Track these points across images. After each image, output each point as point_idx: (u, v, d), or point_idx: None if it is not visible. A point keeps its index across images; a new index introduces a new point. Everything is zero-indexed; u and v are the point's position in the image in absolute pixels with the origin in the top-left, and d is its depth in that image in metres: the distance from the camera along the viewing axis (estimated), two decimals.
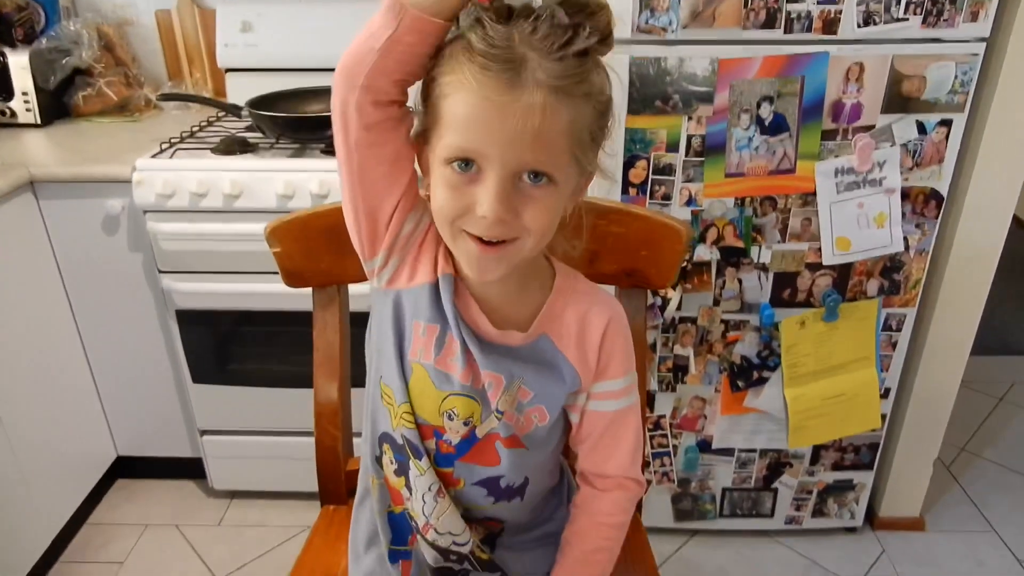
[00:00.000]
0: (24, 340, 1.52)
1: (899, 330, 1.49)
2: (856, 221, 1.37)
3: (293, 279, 0.86)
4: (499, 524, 0.82)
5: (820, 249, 1.39)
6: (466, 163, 0.61)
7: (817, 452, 1.60)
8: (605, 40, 0.62)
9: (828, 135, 1.31)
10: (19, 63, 1.73)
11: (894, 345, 1.50)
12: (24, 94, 1.75)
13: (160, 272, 1.56)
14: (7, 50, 1.73)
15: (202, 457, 1.80)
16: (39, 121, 1.78)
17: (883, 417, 1.56)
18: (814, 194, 1.35)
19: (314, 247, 0.84)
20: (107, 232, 1.56)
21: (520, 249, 0.65)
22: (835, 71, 1.26)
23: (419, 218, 0.71)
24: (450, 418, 0.74)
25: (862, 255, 1.40)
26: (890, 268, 1.42)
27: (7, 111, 1.76)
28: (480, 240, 0.63)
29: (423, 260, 0.72)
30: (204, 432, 1.76)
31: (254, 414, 1.71)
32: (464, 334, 0.72)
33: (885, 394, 1.55)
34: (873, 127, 1.30)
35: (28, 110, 1.76)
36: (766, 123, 1.30)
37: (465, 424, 0.75)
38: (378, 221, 0.69)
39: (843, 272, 1.42)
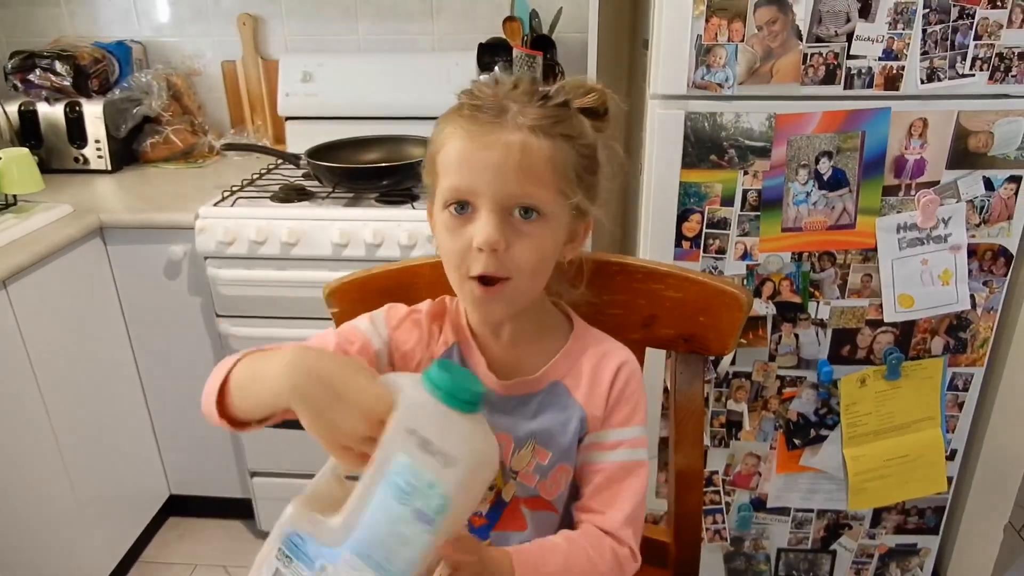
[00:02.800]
0: (87, 378, 1.57)
1: (966, 390, 1.43)
2: (920, 278, 1.33)
3: None
4: None
5: (881, 306, 1.35)
6: (462, 206, 0.67)
7: (878, 514, 1.54)
8: (596, 113, 0.70)
9: (890, 191, 1.28)
10: (94, 112, 1.82)
11: (960, 405, 1.44)
12: (97, 142, 1.83)
13: (218, 316, 1.60)
14: (83, 100, 1.82)
15: (251, 498, 1.81)
16: (109, 167, 1.85)
17: (949, 480, 1.49)
18: (875, 250, 1.31)
19: (372, 307, 0.85)
20: (169, 276, 1.61)
21: (516, 288, 0.68)
22: (897, 126, 1.24)
23: (414, 327, 0.76)
24: None
25: (926, 313, 1.35)
26: (956, 326, 1.37)
27: (81, 158, 1.84)
28: (480, 282, 0.67)
29: (424, 349, 0.76)
30: (254, 473, 1.78)
31: (302, 457, 1.72)
32: None
33: (951, 456, 1.48)
34: (937, 183, 1.27)
35: (100, 157, 1.84)
36: (825, 178, 1.28)
37: (490, 489, 0.76)
38: None
39: (906, 329, 1.37)
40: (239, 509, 1.87)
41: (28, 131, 1.82)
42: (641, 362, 0.89)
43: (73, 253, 1.51)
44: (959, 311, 1.35)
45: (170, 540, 1.87)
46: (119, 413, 1.69)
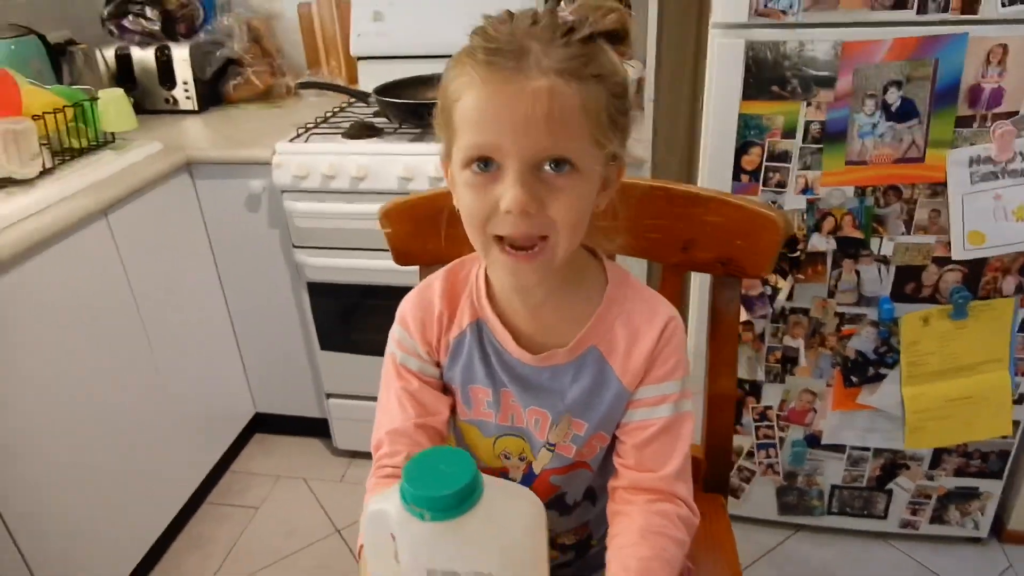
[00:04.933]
0: (180, 302, 1.72)
1: None
2: (992, 214, 1.28)
3: (402, 258, 0.93)
4: (585, 528, 0.84)
5: (949, 243, 1.31)
6: (485, 163, 0.60)
7: (939, 456, 1.52)
8: (619, 37, 0.62)
9: (963, 122, 1.23)
10: (181, 55, 1.93)
11: None
12: (184, 83, 1.95)
13: (294, 247, 1.70)
14: (171, 44, 1.93)
15: (327, 418, 1.95)
16: (196, 108, 1.97)
17: (1016, 424, 1.46)
18: (944, 184, 1.27)
19: (422, 229, 0.90)
20: (250, 209, 1.72)
21: (553, 249, 0.63)
22: (974, 53, 1.18)
23: (430, 318, 0.76)
24: (507, 458, 0.78)
25: (998, 250, 1.31)
26: None
27: (171, 99, 1.97)
28: (511, 249, 0.62)
29: (448, 332, 0.76)
30: (330, 395, 1.91)
31: (375, 381, 1.83)
32: (503, 375, 0.73)
33: (1020, 400, 1.44)
34: (1016, 113, 1.21)
35: (188, 98, 1.96)
36: (893, 109, 1.24)
37: (521, 460, 0.78)
38: None
39: (975, 268, 1.33)
40: (318, 428, 2.01)
41: (124, 74, 1.95)
42: (680, 287, 0.92)
43: (164, 187, 1.63)
44: None
45: (256, 454, 2.04)
46: (209, 336, 1.84)
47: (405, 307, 0.78)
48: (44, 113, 1.46)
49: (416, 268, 0.96)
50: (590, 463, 0.77)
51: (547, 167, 0.59)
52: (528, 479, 0.78)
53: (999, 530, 1.63)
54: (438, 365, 0.78)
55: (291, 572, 1.67)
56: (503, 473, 0.79)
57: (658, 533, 0.67)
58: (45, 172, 1.47)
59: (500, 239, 0.62)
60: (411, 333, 0.77)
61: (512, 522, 0.45)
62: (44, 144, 1.48)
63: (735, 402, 0.97)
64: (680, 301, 0.90)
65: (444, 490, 0.42)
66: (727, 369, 0.91)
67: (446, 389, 0.79)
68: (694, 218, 0.86)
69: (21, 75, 1.50)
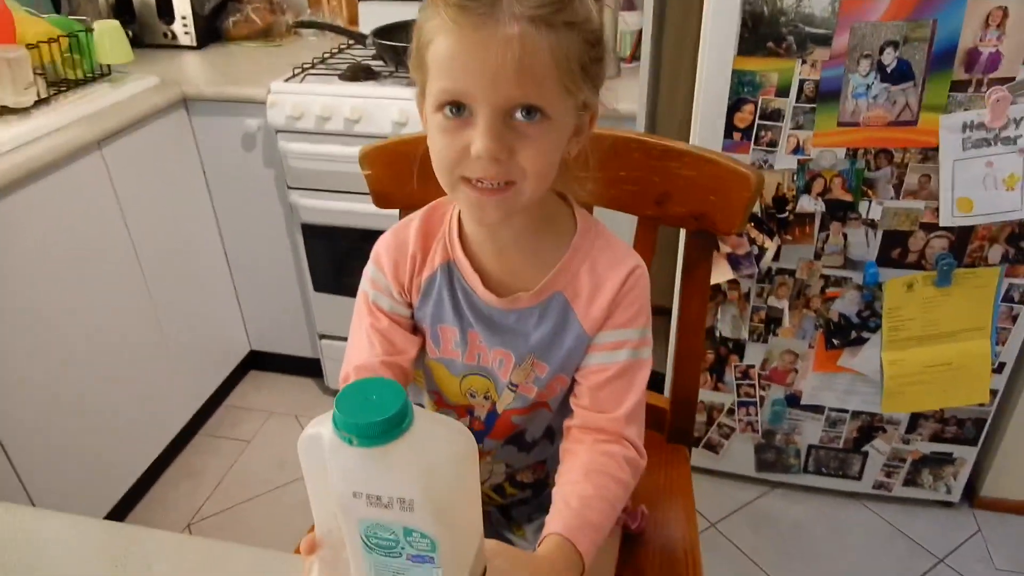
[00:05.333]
0: (176, 237, 1.74)
1: (1022, 303, 1.38)
2: (982, 181, 1.27)
3: (381, 200, 0.94)
4: (543, 466, 0.87)
5: (938, 209, 1.31)
6: (458, 108, 0.61)
7: (915, 420, 1.54)
8: None
9: (958, 86, 1.21)
10: None
11: (1015, 318, 1.40)
12: (183, 18, 1.93)
13: (289, 188, 1.71)
14: None
15: (320, 358, 1.99)
16: (195, 44, 1.96)
17: (993, 393, 1.47)
18: (936, 149, 1.26)
19: (401, 172, 0.90)
20: (246, 148, 1.72)
21: (519, 194, 0.64)
22: (974, 14, 1.15)
23: (403, 257, 0.77)
24: (472, 396, 0.80)
25: (986, 219, 1.30)
26: (1018, 235, 1.31)
27: (169, 33, 1.95)
28: (478, 186, 0.63)
29: (420, 271, 0.77)
30: (323, 336, 1.94)
31: None
32: (470, 315, 0.75)
33: (999, 369, 1.45)
34: (1012, 79, 1.19)
35: (187, 33, 1.95)
36: (888, 70, 1.22)
37: (486, 399, 0.80)
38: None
39: (962, 235, 1.33)
40: (310, 368, 2.05)
41: (122, 6, 1.93)
42: (654, 241, 0.93)
43: (160, 122, 1.63)
44: (1022, 219, 1.29)
45: (249, 391, 2.09)
46: (205, 272, 1.86)
47: (380, 247, 0.79)
48: (39, 42, 1.46)
49: (397, 212, 0.97)
50: (550, 403, 0.79)
51: (518, 115, 0.60)
52: (491, 417, 0.81)
53: (971, 496, 1.66)
54: (409, 305, 0.79)
55: (278, 505, 1.73)
56: (469, 410, 0.82)
57: (601, 472, 0.69)
58: (40, 102, 1.47)
59: (467, 179, 0.64)
60: (385, 273, 0.78)
61: (438, 452, 0.46)
62: (39, 74, 1.48)
63: (701, 357, 0.98)
64: (652, 254, 0.91)
65: (372, 418, 0.43)
66: (695, 326, 0.93)
67: (415, 329, 0.81)
68: (669, 171, 0.86)
69: (16, 3, 1.50)
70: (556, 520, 0.65)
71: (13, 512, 0.68)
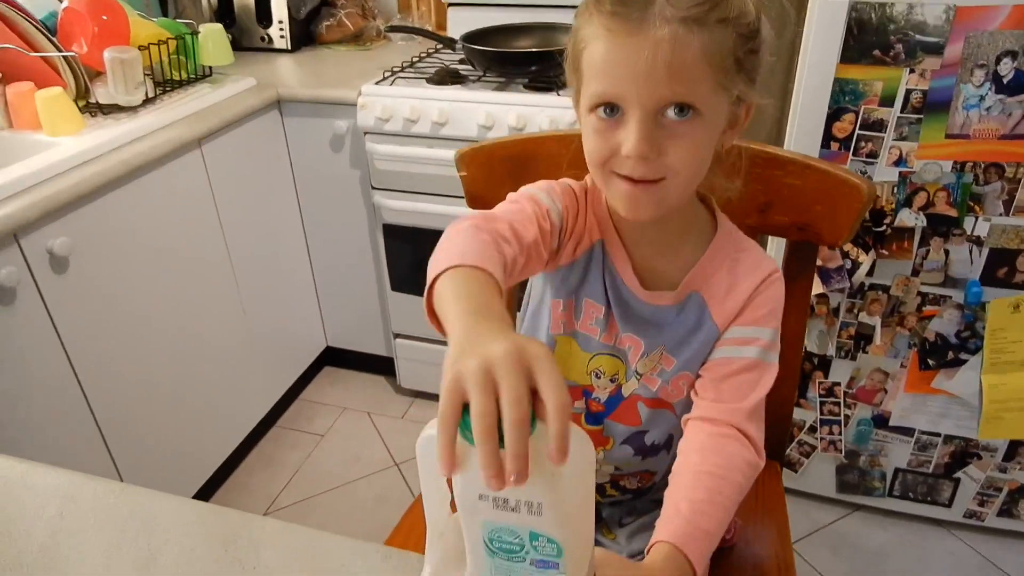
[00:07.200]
0: (263, 233, 1.80)
1: None
2: None
3: (476, 202, 0.95)
4: (650, 476, 0.85)
5: None
6: (610, 109, 0.63)
7: (1014, 448, 1.46)
8: None
9: None
10: None
11: None
12: (280, 22, 1.99)
13: (373, 188, 1.75)
14: None
15: (393, 357, 2.02)
16: (289, 47, 2.02)
17: None
18: None
19: (497, 174, 0.91)
20: (334, 149, 1.77)
21: (668, 190, 0.64)
22: None
23: (575, 207, 0.74)
24: (597, 376, 0.79)
25: None
26: None
27: (266, 37, 2.02)
28: (630, 179, 0.64)
29: (581, 235, 0.75)
30: (397, 335, 1.97)
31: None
32: (611, 296, 0.75)
33: None
34: None
35: (282, 37, 2.01)
36: (1004, 81, 1.16)
37: (612, 381, 0.79)
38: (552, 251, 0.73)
39: None
40: (384, 366, 2.08)
41: (224, 10, 2.01)
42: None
43: (255, 122, 1.69)
44: None
45: (324, 385, 2.14)
46: (288, 269, 1.92)
47: (566, 186, 0.76)
48: (149, 44, 1.53)
49: None
50: (675, 405, 0.78)
51: (670, 112, 0.61)
52: (615, 401, 0.80)
53: None
54: (554, 253, 0.74)
55: (350, 498, 1.76)
56: (586, 392, 0.80)
57: (715, 474, 0.66)
58: (148, 101, 1.55)
59: (619, 173, 0.65)
60: (561, 205, 0.74)
61: (565, 470, 0.44)
62: (148, 74, 1.55)
63: (798, 373, 0.96)
64: None
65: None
66: (793, 340, 0.90)
67: (537, 260, 0.72)
68: (773, 180, 0.84)
69: (130, 6, 1.57)
70: (666, 527, 0.63)
71: (130, 492, 0.71)
